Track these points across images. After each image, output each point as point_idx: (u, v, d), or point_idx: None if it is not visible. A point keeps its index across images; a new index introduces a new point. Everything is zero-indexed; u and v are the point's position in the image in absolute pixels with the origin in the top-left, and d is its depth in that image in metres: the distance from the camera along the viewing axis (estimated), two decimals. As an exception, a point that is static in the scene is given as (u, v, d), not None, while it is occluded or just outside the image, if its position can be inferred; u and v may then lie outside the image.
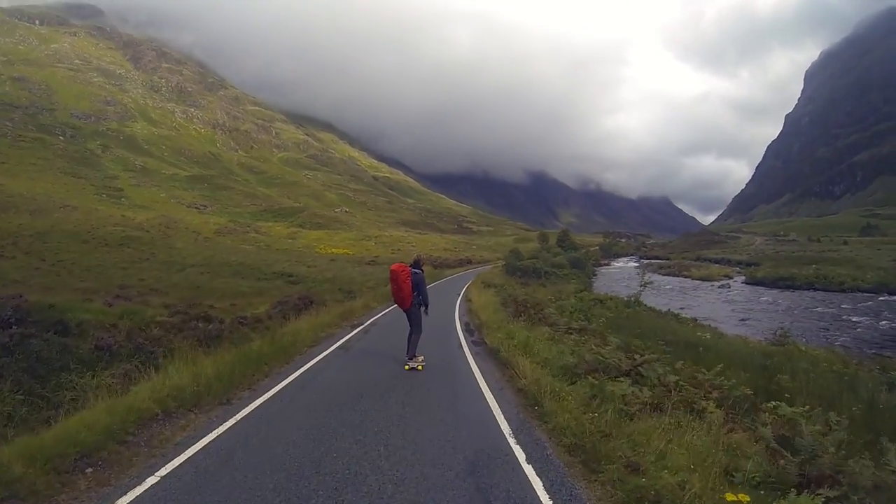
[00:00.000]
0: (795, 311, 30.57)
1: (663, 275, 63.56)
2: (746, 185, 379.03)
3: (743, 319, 26.73)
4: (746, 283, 49.43)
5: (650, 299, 27.40)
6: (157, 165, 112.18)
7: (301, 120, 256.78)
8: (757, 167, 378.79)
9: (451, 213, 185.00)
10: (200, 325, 11.21)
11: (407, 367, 8.32)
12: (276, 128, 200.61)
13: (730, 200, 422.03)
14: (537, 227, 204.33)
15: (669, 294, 39.00)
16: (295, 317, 14.09)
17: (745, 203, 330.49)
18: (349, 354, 9.58)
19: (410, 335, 8.65)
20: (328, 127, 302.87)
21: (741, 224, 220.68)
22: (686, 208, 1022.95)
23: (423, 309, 8.81)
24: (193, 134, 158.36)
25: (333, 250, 65.21)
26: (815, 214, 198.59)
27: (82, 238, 45.17)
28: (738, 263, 72.15)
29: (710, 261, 78.98)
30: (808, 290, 42.73)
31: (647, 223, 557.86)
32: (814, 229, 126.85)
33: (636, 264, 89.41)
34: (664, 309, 24.14)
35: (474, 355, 9.45)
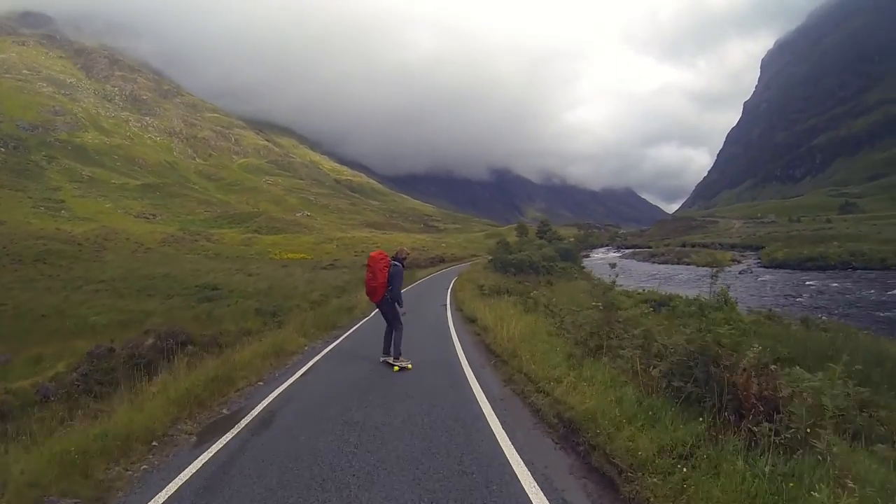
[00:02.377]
0: (872, 298, 23.70)
1: (659, 263, 57.20)
2: (708, 172, 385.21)
3: (830, 314, 19.55)
4: (765, 267, 43.02)
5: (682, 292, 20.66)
6: (107, 176, 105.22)
7: (261, 126, 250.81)
8: (718, 154, 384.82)
9: (417, 213, 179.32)
10: None
11: (396, 368, 7.36)
12: (235, 134, 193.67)
13: (692, 188, 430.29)
14: (503, 223, 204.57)
15: (691, 284, 31.91)
16: (99, 399, 5.81)
17: (708, 189, 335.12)
18: None
19: (390, 333, 7.77)
20: (289, 132, 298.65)
21: (707, 210, 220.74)
22: (649, 198, 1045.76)
23: (398, 307, 7.79)
24: (149, 143, 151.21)
25: (289, 255, 57.77)
26: (778, 197, 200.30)
27: (-6, 254, 40.63)
28: (734, 247, 66.33)
29: (700, 246, 72.97)
30: (845, 269, 36.57)
31: (612, 214, 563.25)
32: (787, 210, 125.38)
33: (617, 254, 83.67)
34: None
35: None
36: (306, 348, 9.68)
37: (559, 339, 7.00)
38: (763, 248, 55.56)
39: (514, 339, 7.52)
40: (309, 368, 7.73)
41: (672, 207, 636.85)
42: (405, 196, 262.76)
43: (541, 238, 60.59)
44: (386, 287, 7.63)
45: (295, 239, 75.47)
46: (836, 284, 29.08)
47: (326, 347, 9.66)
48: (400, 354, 7.52)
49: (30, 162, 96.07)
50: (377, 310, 8.09)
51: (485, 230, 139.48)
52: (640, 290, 20.92)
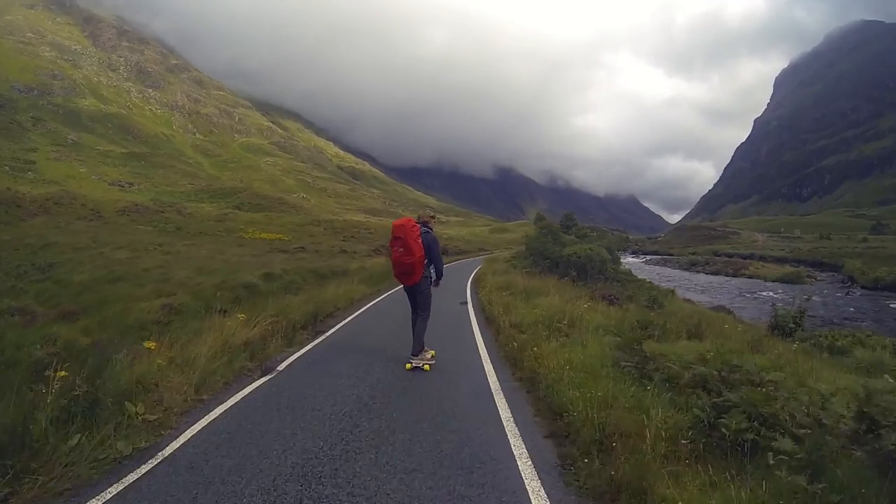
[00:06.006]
0: None
1: (708, 273, 48.41)
2: (714, 185, 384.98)
3: None
4: (865, 287, 34.46)
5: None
6: (94, 142, 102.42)
7: (268, 108, 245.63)
8: (725, 168, 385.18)
9: (418, 203, 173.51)
10: None
11: (409, 365, 5.86)
12: (239, 113, 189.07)
13: (695, 200, 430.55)
14: (503, 220, 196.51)
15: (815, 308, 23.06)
16: None
17: (713, 203, 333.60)
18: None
19: (415, 322, 6.08)
20: (295, 116, 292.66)
21: (714, 222, 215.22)
22: (652, 206, 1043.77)
23: (432, 282, 6.20)
24: (148, 114, 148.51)
25: (264, 235, 50.49)
26: (784, 215, 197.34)
27: None
28: (782, 261, 57.90)
29: (738, 256, 64.90)
30: None
31: (615, 220, 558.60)
32: (804, 227, 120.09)
33: (638, 259, 75.89)
34: None
35: None
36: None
37: None
38: (840, 265, 46.89)
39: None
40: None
41: (674, 218, 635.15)
42: (408, 187, 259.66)
43: (565, 233, 50.93)
44: (423, 262, 5.83)
45: (277, 218, 68.47)
46: None
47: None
48: (423, 348, 5.99)
49: (12, 122, 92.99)
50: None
51: (489, 225, 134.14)
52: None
